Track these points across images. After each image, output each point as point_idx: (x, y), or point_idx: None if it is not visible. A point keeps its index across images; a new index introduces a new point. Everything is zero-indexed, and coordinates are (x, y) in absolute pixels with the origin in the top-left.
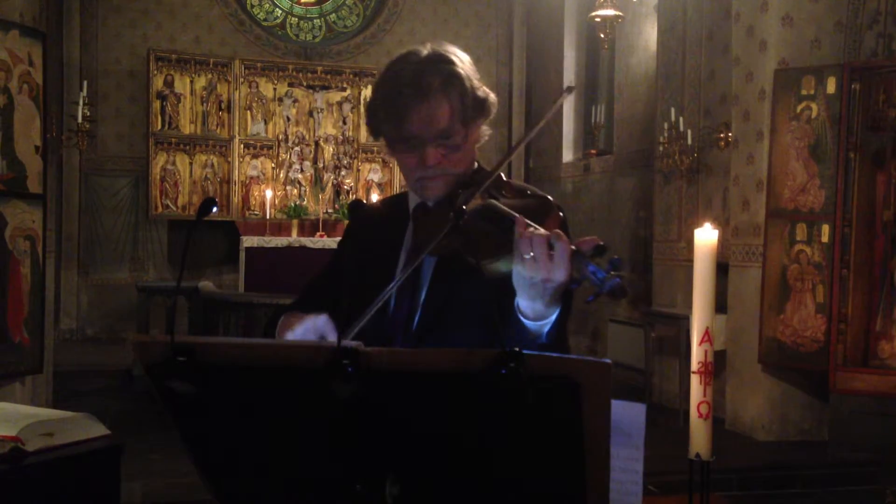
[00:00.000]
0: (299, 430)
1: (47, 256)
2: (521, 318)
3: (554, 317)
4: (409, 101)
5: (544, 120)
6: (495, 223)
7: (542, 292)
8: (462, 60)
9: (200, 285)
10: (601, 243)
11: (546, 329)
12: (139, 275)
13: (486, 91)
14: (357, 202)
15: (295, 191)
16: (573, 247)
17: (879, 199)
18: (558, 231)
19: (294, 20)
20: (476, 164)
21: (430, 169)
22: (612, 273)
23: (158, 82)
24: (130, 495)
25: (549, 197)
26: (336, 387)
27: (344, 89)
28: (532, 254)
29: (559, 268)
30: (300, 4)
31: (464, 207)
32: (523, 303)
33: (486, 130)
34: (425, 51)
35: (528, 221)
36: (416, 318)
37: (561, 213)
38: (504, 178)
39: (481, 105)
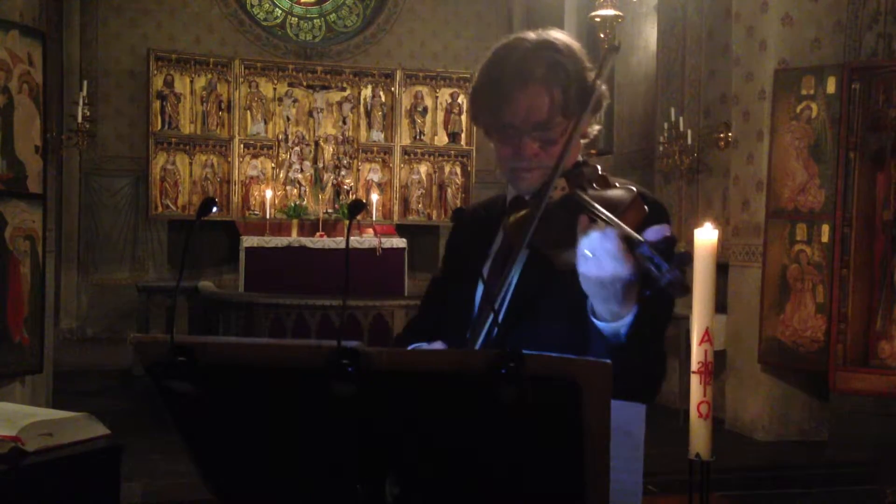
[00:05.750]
0: (299, 430)
1: (47, 256)
2: (596, 321)
3: (631, 317)
4: (508, 88)
5: (596, 89)
6: (571, 215)
7: (613, 293)
8: (571, 49)
9: (200, 285)
10: (668, 235)
11: (623, 331)
12: (139, 275)
13: (596, 82)
14: (459, 209)
15: (295, 191)
16: (638, 238)
17: (879, 199)
18: (604, 227)
19: (294, 20)
20: (581, 159)
21: (524, 161)
22: (674, 267)
23: (158, 82)
24: (130, 495)
25: (634, 188)
26: (336, 387)
27: (344, 89)
28: (591, 253)
29: (620, 263)
30: (300, 4)
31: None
32: (597, 305)
33: (594, 125)
34: (533, 36)
35: (605, 213)
36: (502, 314)
37: (646, 207)
38: (600, 172)
39: (587, 97)
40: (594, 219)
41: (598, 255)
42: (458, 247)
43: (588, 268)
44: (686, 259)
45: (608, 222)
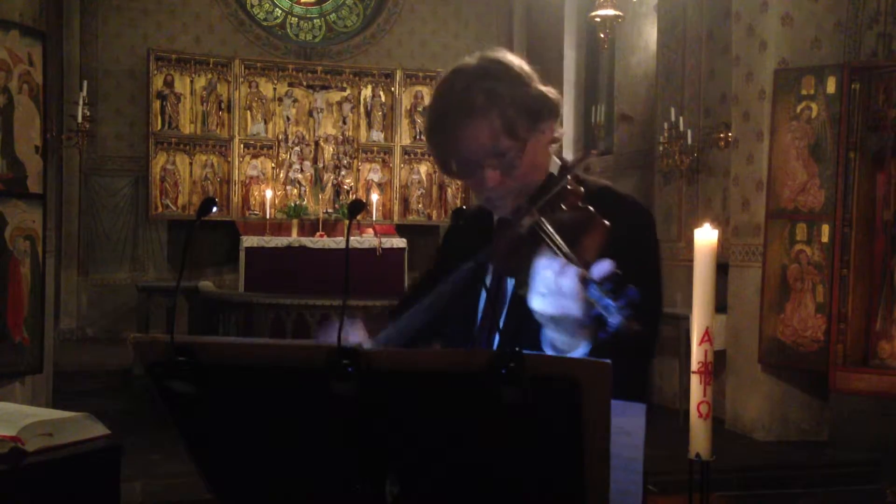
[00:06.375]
0: (299, 430)
1: (47, 256)
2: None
3: (585, 348)
4: (454, 125)
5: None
6: (537, 248)
7: (565, 328)
8: (508, 72)
9: (200, 285)
10: (612, 271)
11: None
12: (139, 275)
13: (542, 92)
14: (459, 209)
15: (295, 191)
16: (588, 275)
17: (879, 199)
18: (558, 265)
19: (294, 20)
20: (561, 161)
21: (492, 191)
22: (622, 308)
23: (158, 82)
24: (130, 495)
25: (592, 207)
26: (336, 387)
27: (344, 89)
28: (546, 290)
29: (572, 303)
30: (300, 4)
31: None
32: (550, 334)
33: (558, 129)
34: (472, 63)
35: (562, 248)
36: (502, 322)
37: (606, 222)
38: (570, 186)
39: (535, 112)
40: (553, 254)
41: (551, 295)
42: (458, 253)
43: (541, 305)
44: (633, 299)
45: (565, 257)
